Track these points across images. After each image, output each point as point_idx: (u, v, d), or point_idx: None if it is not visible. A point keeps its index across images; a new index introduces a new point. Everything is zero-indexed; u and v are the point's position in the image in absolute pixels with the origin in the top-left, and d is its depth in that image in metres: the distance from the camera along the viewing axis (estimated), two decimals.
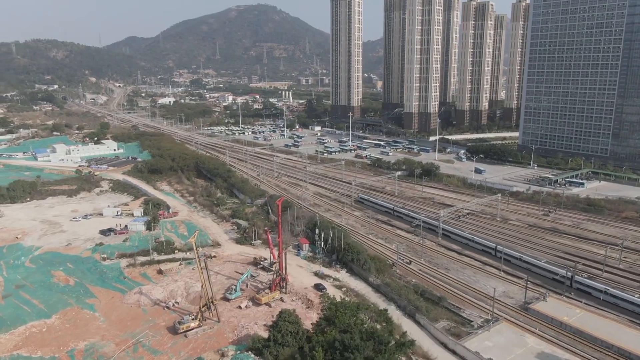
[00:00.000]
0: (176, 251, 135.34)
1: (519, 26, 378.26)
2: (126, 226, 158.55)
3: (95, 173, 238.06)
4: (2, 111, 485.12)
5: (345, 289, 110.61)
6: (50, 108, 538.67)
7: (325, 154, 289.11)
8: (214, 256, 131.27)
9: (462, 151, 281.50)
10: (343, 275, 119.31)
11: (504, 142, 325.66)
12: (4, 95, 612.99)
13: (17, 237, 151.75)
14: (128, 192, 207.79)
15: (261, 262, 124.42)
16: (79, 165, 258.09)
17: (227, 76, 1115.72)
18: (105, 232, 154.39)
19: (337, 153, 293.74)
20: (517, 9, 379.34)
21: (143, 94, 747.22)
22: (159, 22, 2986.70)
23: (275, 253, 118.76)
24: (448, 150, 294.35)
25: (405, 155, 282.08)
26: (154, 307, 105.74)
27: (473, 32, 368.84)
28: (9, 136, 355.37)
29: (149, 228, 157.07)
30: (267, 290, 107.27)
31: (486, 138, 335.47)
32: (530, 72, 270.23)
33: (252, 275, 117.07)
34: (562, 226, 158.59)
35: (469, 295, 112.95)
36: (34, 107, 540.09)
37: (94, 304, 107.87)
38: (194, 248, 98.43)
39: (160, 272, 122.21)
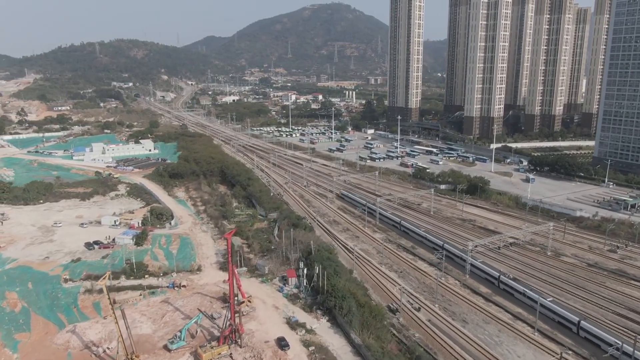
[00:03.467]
0: (147, 276, 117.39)
1: (603, 20, 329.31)
2: (114, 239, 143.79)
3: (115, 175, 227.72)
4: (68, 108, 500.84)
5: (314, 347, 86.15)
6: (115, 105, 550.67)
7: (368, 161, 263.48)
8: (184, 285, 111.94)
9: (524, 162, 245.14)
10: (322, 325, 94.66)
11: (578, 152, 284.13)
12: (79, 92, 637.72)
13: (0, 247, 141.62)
14: (142, 197, 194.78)
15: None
16: (107, 166, 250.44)
17: (297, 75, 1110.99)
18: (89, 246, 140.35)
19: (381, 160, 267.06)
20: (601, 0, 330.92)
21: (210, 92, 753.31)
22: (237, 22, 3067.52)
23: (244, 291, 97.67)
24: (508, 160, 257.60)
25: (457, 165, 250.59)
26: (83, 351, 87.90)
27: (548, 27, 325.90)
28: (61, 133, 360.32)
29: (137, 243, 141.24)
30: (214, 343, 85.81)
31: (558, 147, 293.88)
32: (611, 72, 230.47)
33: (212, 317, 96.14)
34: (633, 269, 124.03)
35: None
36: (101, 104, 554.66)
37: (22, 340, 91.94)
38: (105, 292, 79.26)
39: (114, 302, 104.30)
